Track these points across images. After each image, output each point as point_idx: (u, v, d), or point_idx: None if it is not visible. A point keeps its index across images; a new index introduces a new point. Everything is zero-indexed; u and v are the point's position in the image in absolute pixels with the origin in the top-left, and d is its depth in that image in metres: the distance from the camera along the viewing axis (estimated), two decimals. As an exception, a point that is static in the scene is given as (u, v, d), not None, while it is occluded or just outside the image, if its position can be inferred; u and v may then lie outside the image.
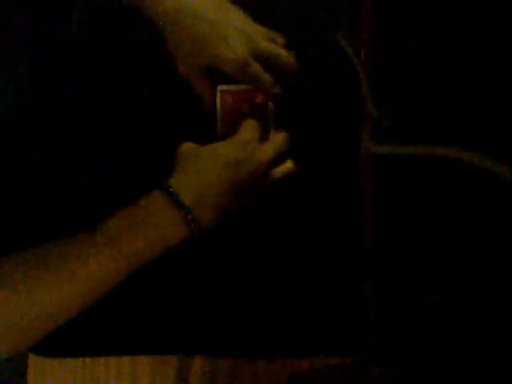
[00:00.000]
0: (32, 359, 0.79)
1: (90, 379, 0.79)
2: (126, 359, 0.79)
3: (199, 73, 0.78)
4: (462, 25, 0.81)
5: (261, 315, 0.78)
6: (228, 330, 0.78)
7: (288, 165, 0.77)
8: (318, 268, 0.79)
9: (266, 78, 0.77)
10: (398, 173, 0.80)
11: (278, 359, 0.78)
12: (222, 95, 0.82)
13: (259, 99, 0.82)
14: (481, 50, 0.81)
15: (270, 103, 0.82)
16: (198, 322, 0.78)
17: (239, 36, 0.75)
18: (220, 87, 0.83)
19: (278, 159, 0.76)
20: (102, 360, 0.79)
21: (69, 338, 0.78)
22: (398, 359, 0.77)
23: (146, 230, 0.69)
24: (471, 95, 0.80)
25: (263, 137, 0.79)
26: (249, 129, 0.77)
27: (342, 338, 0.78)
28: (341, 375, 0.78)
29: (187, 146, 0.75)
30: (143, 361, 0.78)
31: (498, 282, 0.76)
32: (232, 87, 0.83)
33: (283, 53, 0.78)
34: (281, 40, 0.80)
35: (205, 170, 0.72)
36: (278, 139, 0.77)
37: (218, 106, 0.82)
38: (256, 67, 0.76)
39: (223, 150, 0.74)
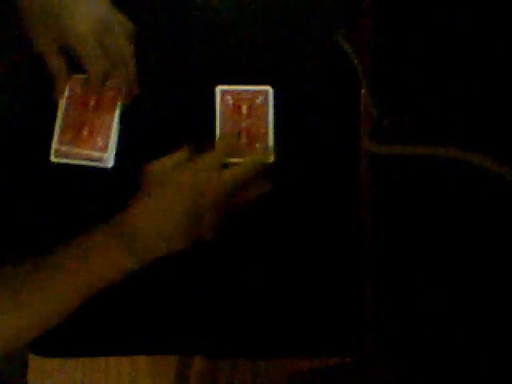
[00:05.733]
0: (32, 359, 0.79)
1: (90, 379, 0.79)
2: (125, 359, 0.79)
3: (53, 50, 0.79)
4: (462, 24, 0.81)
5: (261, 315, 0.78)
6: (228, 330, 0.78)
7: (262, 187, 0.77)
8: (317, 268, 0.79)
9: (96, 55, 0.78)
10: (398, 173, 0.80)
11: (277, 359, 0.78)
12: (222, 95, 0.83)
13: (259, 99, 0.82)
14: (481, 49, 0.81)
15: (270, 105, 0.82)
16: (198, 321, 0.78)
17: (87, 11, 0.77)
18: (220, 87, 0.83)
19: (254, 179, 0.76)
20: (102, 360, 0.79)
21: (69, 338, 0.78)
22: (397, 359, 0.77)
23: (93, 260, 0.69)
24: (471, 95, 0.80)
25: (262, 138, 0.79)
26: (214, 153, 0.76)
27: (341, 338, 0.78)
28: (341, 375, 0.78)
29: (151, 168, 0.75)
30: (143, 361, 0.79)
31: (497, 281, 0.76)
32: (232, 87, 0.83)
33: (126, 46, 0.80)
34: (131, 29, 0.82)
35: (161, 199, 0.72)
36: (244, 165, 0.76)
37: (218, 106, 0.82)
38: (92, 42, 0.77)
39: (182, 178, 0.73)
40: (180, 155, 0.75)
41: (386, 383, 0.77)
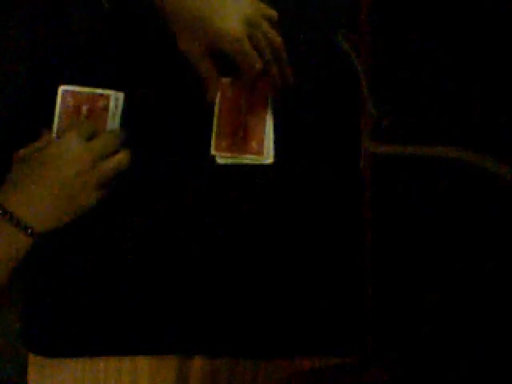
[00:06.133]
0: (32, 359, 0.79)
1: (90, 379, 0.79)
2: (126, 359, 0.79)
3: (201, 54, 0.78)
4: (462, 24, 0.81)
5: (261, 315, 0.78)
6: (228, 330, 0.78)
7: (119, 156, 0.79)
8: (318, 268, 0.79)
9: (254, 55, 0.77)
10: (398, 173, 0.80)
11: (277, 359, 0.78)
12: (222, 87, 0.82)
13: (258, 91, 0.82)
14: (481, 49, 0.81)
15: (269, 97, 0.82)
16: (197, 321, 0.78)
17: (236, 12, 0.76)
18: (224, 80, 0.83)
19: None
20: (101, 360, 0.79)
21: (69, 338, 0.78)
22: (397, 359, 0.76)
23: None
24: (471, 95, 0.80)
25: (260, 129, 0.79)
26: (76, 128, 0.78)
27: (342, 338, 0.78)
28: (341, 375, 0.78)
29: (19, 153, 0.77)
30: (143, 361, 0.78)
31: (497, 281, 0.76)
32: (230, 80, 0.82)
33: (277, 38, 0.79)
34: (275, 16, 0.81)
35: (29, 174, 0.74)
36: (103, 136, 0.79)
37: (217, 105, 0.82)
38: (247, 44, 0.76)
39: (48, 151, 0.75)
40: (44, 138, 0.79)
41: (386, 383, 0.77)
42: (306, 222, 0.80)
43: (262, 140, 0.81)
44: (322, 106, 0.83)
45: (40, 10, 0.86)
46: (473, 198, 0.78)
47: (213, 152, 0.81)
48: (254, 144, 0.81)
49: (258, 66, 0.77)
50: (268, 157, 0.82)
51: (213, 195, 0.81)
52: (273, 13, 0.81)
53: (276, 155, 0.82)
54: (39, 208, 0.73)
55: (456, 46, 0.81)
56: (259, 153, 0.81)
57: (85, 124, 0.80)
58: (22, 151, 0.77)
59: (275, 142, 0.82)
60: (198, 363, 0.78)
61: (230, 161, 0.82)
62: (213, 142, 0.81)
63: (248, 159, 0.81)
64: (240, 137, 0.81)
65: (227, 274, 0.79)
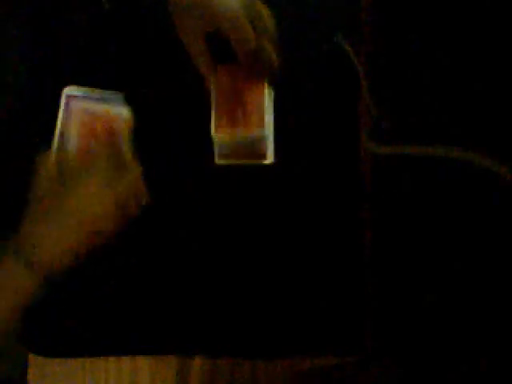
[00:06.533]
0: (32, 359, 0.79)
1: (90, 379, 0.79)
2: (125, 359, 0.79)
3: (198, 37, 0.77)
4: (462, 24, 0.81)
5: (261, 315, 0.78)
6: (228, 330, 0.78)
7: (142, 201, 0.75)
8: (318, 268, 0.79)
9: (250, 32, 0.75)
10: (398, 173, 0.80)
11: (277, 359, 0.78)
12: (218, 71, 0.81)
13: (255, 78, 0.80)
14: (481, 49, 0.81)
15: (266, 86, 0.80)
16: (197, 321, 0.78)
17: None
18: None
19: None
20: (101, 360, 0.79)
21: (69, 338, 0.78)
22: (397, 359, 0.76)
23: None
24: (471, 95, 0.80)
25: (259, 123, 0.78)
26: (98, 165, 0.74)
27: (342, 338, 0.78)
28: (341, 375, 0.78)
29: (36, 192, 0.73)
30: (143, 361, 0.78)
31: (497, 281, 0.76)
32: (228, 65, 0.81)
33: (270, 20, 0.77)
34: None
35: (47, 217, 0.70)
36: (129, 181, 0.74)
37: (213, 84, 0.81)
38: (244, 20, 0.75)
39: (68, 199, 0.71)
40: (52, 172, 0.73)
41: (385, 383, 0.77)
42: (306, 222, 0.80)
43: (263, 114, 0.79)
44: (322, 105, 0.83)
45: (40, 9, 0.86)
46: (473, 198, 0.78)
47: (213, 132, 0.79)
48: (254, 118, 0.79)
49: (254, 43, 0.77)
50: (268, 157, 0.82)
51: (213, 195, 0.81)
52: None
53: (276, 155, 0.82)
54: (54, 252, 0.69)
55: (456, 45, 0.81)
56: (260, 126, 0.79)
57: (103, 163, 0.74)
58: (38, 191, 0.72)
59: (275, 142, 0.82)
60: (197, 363, 0.78)
61: (230, 161, 0.81)
62: (212, 122, 0.79)
63: (247, 157, 0.81)
64: (240, 114, 0.80)
65: (227, 274, 0.79)
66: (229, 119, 0.78)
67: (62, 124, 0.82)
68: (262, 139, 0.79)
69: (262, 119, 0.77)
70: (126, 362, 0.79)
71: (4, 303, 0.68)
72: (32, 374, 0.79)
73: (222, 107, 0.79)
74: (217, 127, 0.77)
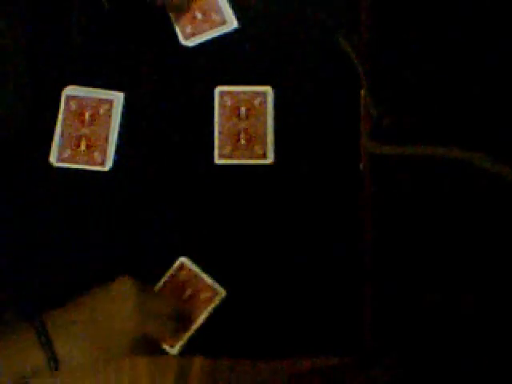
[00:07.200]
0: (32, 359, 0.79)
1: (90, 379, 0.78)
2: (126, 359, 0.78)
3: None
4: (462, 24, 0.81)
5: (261, 315, 0.78)
6: (228, 330, 0.78)
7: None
8: (317, 268, 0.79)
9: None
10: (398, 173, 0.80)
11: (277, 359, 0.78)
12: (221, 97, 0.83)
13: (257, 100, 0.82)
14: (481, 49, 0.81)
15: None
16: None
17: None
18: (219, 88, 0.83)
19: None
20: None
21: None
22: (398, 359, 0.76)
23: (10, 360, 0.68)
24: (471, 95, 0.80)
25: (262, 133, 0.79)
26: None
27: (341, 338, 0.78)
28: (341, 375, 0.77)
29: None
30: (143, 361, 0.78)
31: (498, 281, 0.76)
32: (231, 88, 0.83)
33: None
34: None
35: (81, 319, 0.70)
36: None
37: (217, 107, 0.82)
38: None
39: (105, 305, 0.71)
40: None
41: (385, 383, 0.77)
42: (306, 222, 0.80)
43: (266, 143, 0.81)
44: (322, 106, 0.83)
45: (40, 9, 0.86)
46: (473, 198, 0.78)
47: (216, 161, 0.81)
48: (257, 148, 0.81)
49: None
50: (268, 157, 0.82)
51: (213, 195, 0.81)
52: None
53: (276, 155, 0.82)
54: (79, 352, 0.70)
55: (456, 45, 0.81)
56: (263, 156, 0.81)
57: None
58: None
59: (275, 143, 0.82)
60: (197, 363, 0.78)
61: (229, 161, 0.82)
62: (216, 151, 0.81)
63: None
64: (242, 143, 0.81)
65: (227, 274, 0.79)
66: (231, 150, 0.81)
67: (61, 124, 0.82)
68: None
69: (264, 149, 0.81)
70: (126, 362, 0.78)
71: (9, 372, 0.68)
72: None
73: (224, 136, 0.81)
74: (219, 157, 0.81)
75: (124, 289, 0.71)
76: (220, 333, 0.78)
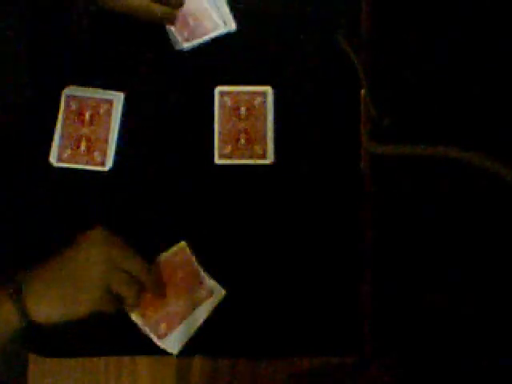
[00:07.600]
0: (32, 359, 0.79)
1: (90, 379, 0.79)
2: (126, 359, 0.79)
3: None
4: (462, 24, 0.81)
5: (260, 315, 0.78)
6: (228, 330, 0.78)
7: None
8: (317, 268, 0.79)
9: None
10: (398, 173, 0.80)
11: (277, 359, 0.78)
12: (221, 96, 0.83)
13: (257, 100, 0.82)
14: (481, 50, 0.81)
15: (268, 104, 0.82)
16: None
17: None
18: (219, 88, 0.83)
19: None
20: (102, 360, 0.79)
21: (69, 338, 0.78)
22: (398, 359, 0.76)
23: None
24: (471, 95, 0.80)
25: (262, 133, 0.79)
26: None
27: (341, 338, 0.78)
28: (341, 375, 0.77)
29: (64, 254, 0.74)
30: (143, 361, 0.78)
31: (498, 281, 0.76)
32: (231, 88, 0.83)
33: None
34: None
35: (53, 275, 0.72)
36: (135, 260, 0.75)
37: (217, 107, 0.82)
38: None
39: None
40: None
41: (385, 383, 0.77)
42: (306, 222, 0.80)
43: (265, 143, 0.81)
44: (322, 105, 0.83)
45: (40, 9, 0.86)
46: (473, 198, 0.78)
47: (216, 161, 0.81)
48: (257, 148, 0.81)
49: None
50: (268, 157, 0.82)
51: (213, 195, 0.81)
52: None
53: (276, 155, 0.82)
54: (48, 306, 0.71)
55: (456, 46, 0.81)
56: (263, 156, 0.81)
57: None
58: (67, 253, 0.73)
59: (275, 143, 0.82)
60: (197, 363, 0.78)
61: (229, 161, 0.82)
62: (216, 151, 0.81)
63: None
64: (242, 143, 0.82)
65: (227, 274, 0.79)
66: (231, 150, 0.82)
67: (61, 124, 0.82)
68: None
69: (265, 149, 0.81)
70: (125, 361, 0.79)
71: None
72: (32, 374, 0.79)
73: (224, 136, 0.81)
74: (220, 157, 0.81)
75: (92, 237, 0.73)
76: (220, 333, 0.78)
